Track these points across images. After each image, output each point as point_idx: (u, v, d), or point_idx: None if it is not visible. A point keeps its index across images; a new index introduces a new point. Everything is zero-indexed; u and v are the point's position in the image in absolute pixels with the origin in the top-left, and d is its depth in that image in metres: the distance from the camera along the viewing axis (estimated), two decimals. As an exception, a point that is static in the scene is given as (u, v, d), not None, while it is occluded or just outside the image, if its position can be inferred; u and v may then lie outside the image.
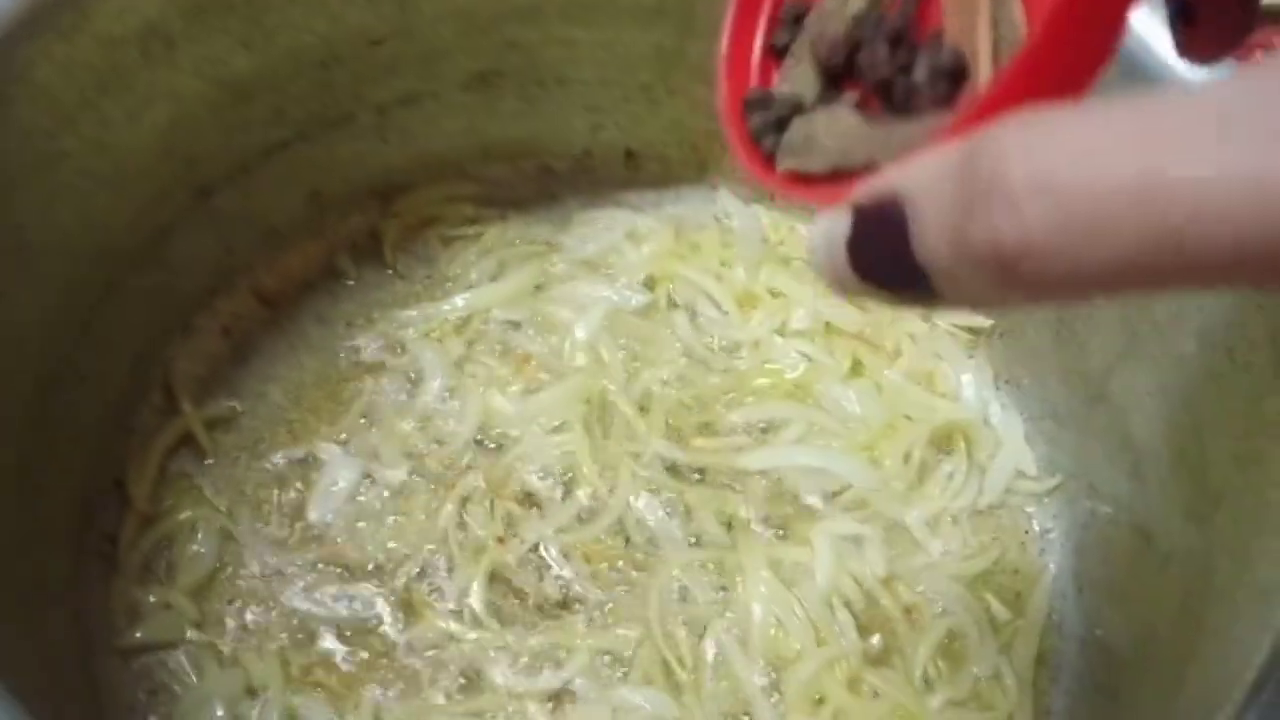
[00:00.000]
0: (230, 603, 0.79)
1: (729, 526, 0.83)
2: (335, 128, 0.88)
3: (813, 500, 0.84)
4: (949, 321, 0.94)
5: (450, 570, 0.80)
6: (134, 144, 0.74)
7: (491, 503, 0.82)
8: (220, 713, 0.75)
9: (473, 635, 0.78)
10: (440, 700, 0.76)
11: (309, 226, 0.93)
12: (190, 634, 0.78)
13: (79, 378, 0.75)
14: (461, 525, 0.82)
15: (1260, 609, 0.59)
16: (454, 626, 0.78)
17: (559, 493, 0.84)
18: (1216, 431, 0.71)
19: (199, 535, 0.81)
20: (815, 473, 0.86)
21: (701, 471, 0.86)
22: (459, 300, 0.92)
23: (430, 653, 0.78)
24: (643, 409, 0.88)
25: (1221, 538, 0.69)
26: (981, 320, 0.92)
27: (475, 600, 0.79)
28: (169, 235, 0.81)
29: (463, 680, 0.77)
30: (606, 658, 0.78)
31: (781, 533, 0.84)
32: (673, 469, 0.85)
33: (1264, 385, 0.65)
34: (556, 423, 0.86)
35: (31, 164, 0.67)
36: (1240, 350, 0.68)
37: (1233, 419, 0.69)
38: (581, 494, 0.83)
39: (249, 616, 0.79)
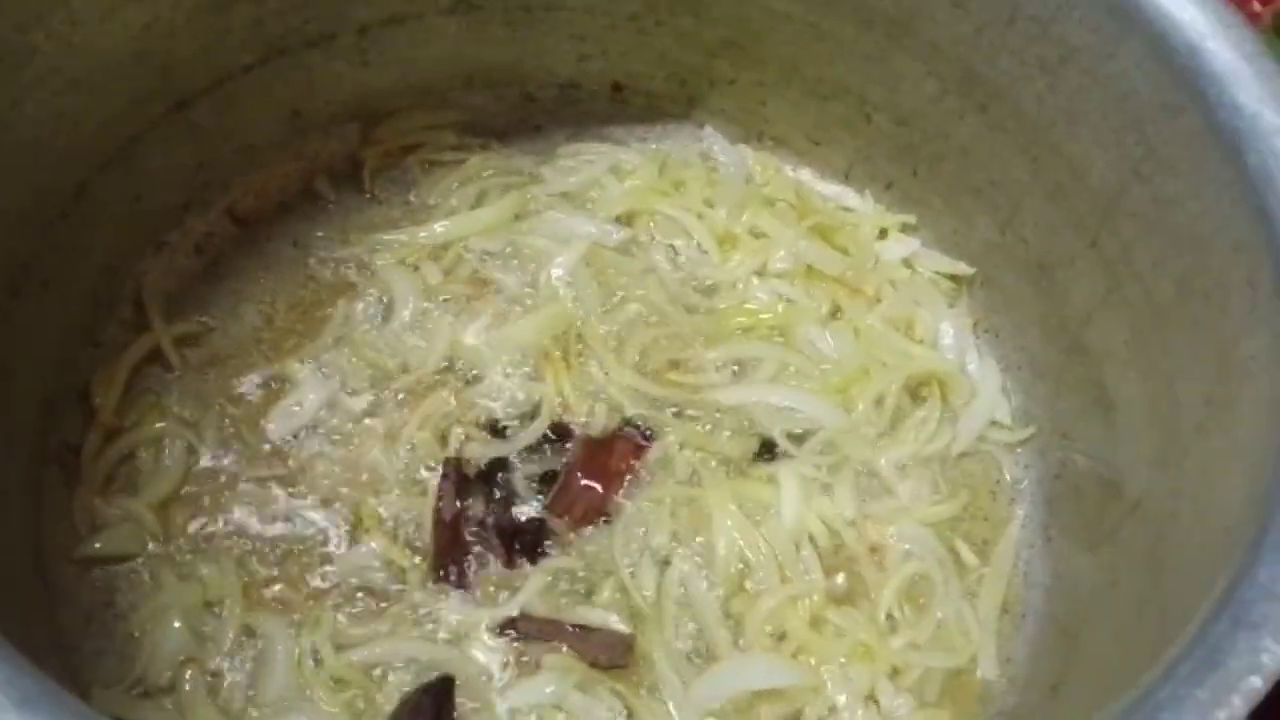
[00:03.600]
0: (192, 518, 0.79)
1: (697, 462, 0.82)
2: (315, 46, 0.86)
3: (782, 440, 0.84)
4: (932, 269, 0.93)
5: (408, 496, 0.80)
6: (106, 46, 0.73)
7: (452, 430, 0.82)
8: (178, 624, 0.74)
9: (425, 561, 0.78)
10: (392, 624, 0.76)
11: (288, 147, 0.91)
12: (151, 546, 0.77)
13: (42, 283, 0.75)
14: (421, 452, 0.81)
15: (1219, 547, 0.58)
16: (408, 554, 0.78)
17: (521, 423, 0.83)
18: (1190, 377, 0.70)
19: (165, 450, 0.81)
20: (786, 412, 0.85)
21: (671, 407, 0.85)
22: (437, 227, 0.91)
23: (381, 575, 0.77)
24: (615, 344, 0.87)
25: (1188, 482, 0.68)
26: (965, 268, 0.91)
27: (428, 526, 0.78)
28: (142, 144, 0.80)
29: (417, 602, 0.76)
30: (565, 580, 0.78)
31: (749, 471, 0.83)
32: (642, 403, 0.84)
33: (1240, 327, 0.64)
34: (525, 354, 0.86)
35: (-2, 56, 0.66)
36: (1217, 295, 0.67)
37: (1207, 364, 0.68)
38: (544, 425, 0.82)
39: (209, 531, 0.78)
